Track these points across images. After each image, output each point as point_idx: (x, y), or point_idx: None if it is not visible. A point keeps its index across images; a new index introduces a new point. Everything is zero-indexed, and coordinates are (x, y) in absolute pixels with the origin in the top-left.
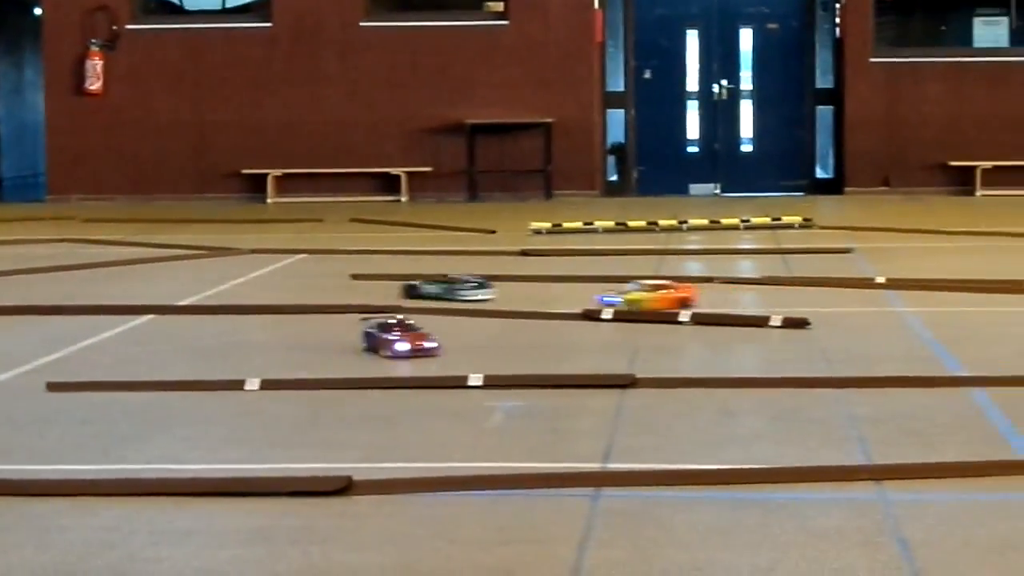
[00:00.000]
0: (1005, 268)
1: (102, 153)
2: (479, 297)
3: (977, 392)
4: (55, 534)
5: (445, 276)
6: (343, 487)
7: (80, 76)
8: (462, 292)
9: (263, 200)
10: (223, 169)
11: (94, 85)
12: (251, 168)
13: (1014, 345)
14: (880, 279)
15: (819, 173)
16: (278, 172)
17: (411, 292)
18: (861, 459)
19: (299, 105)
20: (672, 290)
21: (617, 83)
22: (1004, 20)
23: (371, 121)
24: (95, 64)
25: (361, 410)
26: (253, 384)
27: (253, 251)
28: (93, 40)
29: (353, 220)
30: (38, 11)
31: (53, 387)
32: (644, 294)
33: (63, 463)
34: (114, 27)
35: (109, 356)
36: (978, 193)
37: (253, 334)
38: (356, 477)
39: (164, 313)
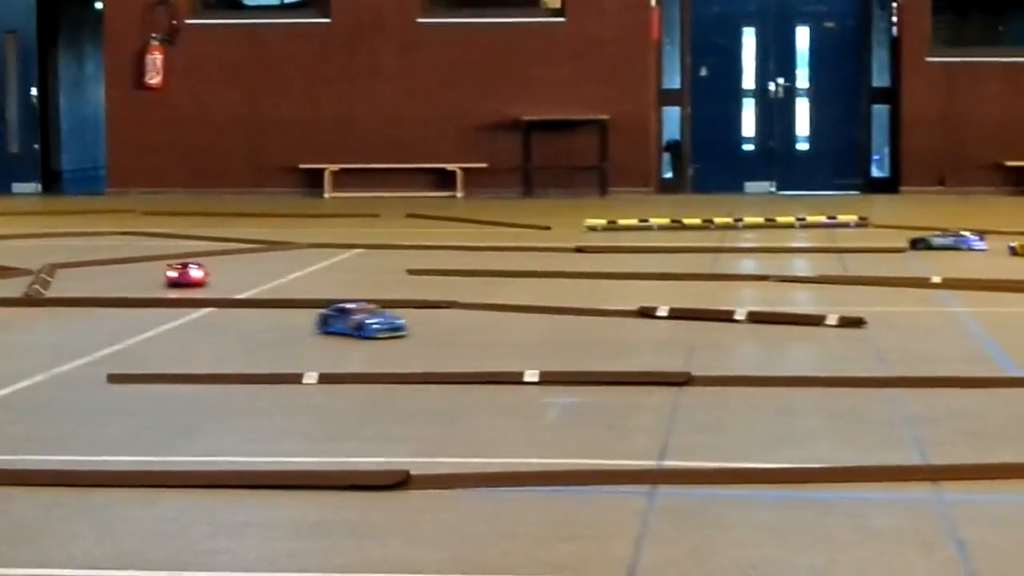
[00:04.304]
0: None
1: (162, 147)
2: (981, 247)
3: None
4: (115, 525)
5: (950, 230)
6: (401, 481)
7: (140, 70)
8: (969, 242)
9: (320, 195)
10: (281, 163)
11: (154, 79)
12: (308, 163)
13: None
14: (936, 279)
15: (875, 172)
16: (335, 167)
17: (919, 244)
18: (917, 459)
19: (356, 101)
20: None
21: (673, 80)
22: None
23: (428, 117)
24: (155, 58)
25: (417, 405)
26: (311, 377)
27: (310, 245)
28: (153, 35)
29: (409, 215)
30: (99, 5)
31: (113, 379)
32: None
33: (123, 454)
34: (174, 22)
35: (169, 348)
36: None
37: (311, 328)
38: (413, 472)
39: (223, 306)
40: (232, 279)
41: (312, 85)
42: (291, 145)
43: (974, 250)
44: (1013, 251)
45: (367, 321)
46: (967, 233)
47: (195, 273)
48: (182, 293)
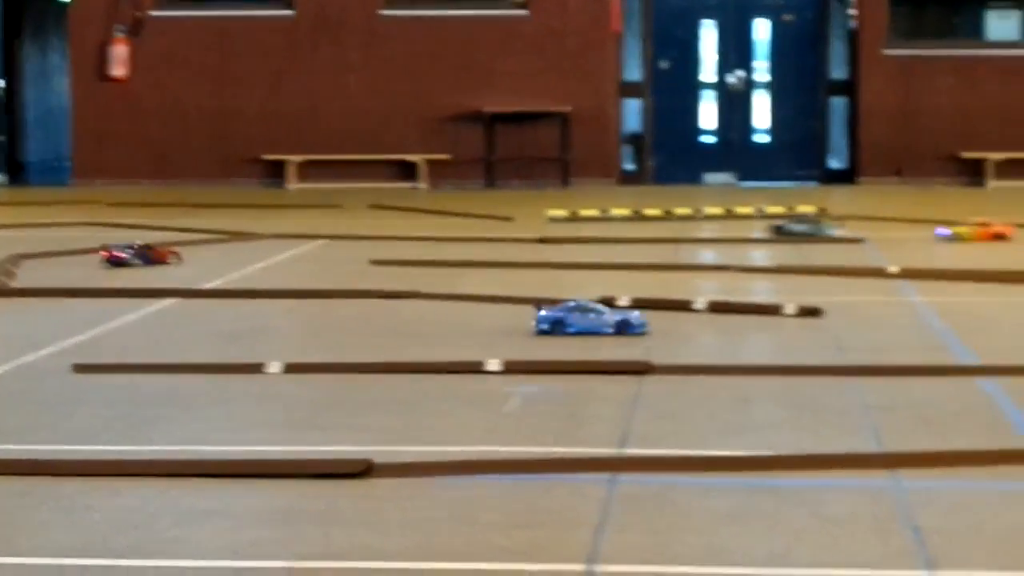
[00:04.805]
0: (1016, 259)
1: (126, 138)
2: (837, 233)
3: (988, 381)
4: (81, 514)
5: (809, 216)
6: (364, 470)
7: (105, 62)
8: (826, 229)
9: (283, 185)
10: (245, 155)
11: (118, 71)
12: (272, 154)
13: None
14: (893, 268)
15: (832, 163)
16: (298, 158)
17: (781, 230)
18: (874, 447)
19: (320, 93)
20: (991, 226)
21: (634, 73)
22: (1016, 13)
23: (391, 109)
24: (119, 50)
25: (381, 394)
26: (275, 367)
27: (274, 236)
28: (118, 27)
29: (372, 206)
30: None
31: (79, 369)
32: (968, 228)
33: (89, 443)
34: (138, 14)
35: (134, 339)
36: (989, 184)
37: (275, 318)
38: (376, 460)
39: (187, 297)
40: (197, 269)
41: (276, 77)
42: (255, 137)
43: (831, 237)
44: (952, 237)
45: (630, 320)
46: (825, 220)
47: (120, 253)
48: (142, 282)
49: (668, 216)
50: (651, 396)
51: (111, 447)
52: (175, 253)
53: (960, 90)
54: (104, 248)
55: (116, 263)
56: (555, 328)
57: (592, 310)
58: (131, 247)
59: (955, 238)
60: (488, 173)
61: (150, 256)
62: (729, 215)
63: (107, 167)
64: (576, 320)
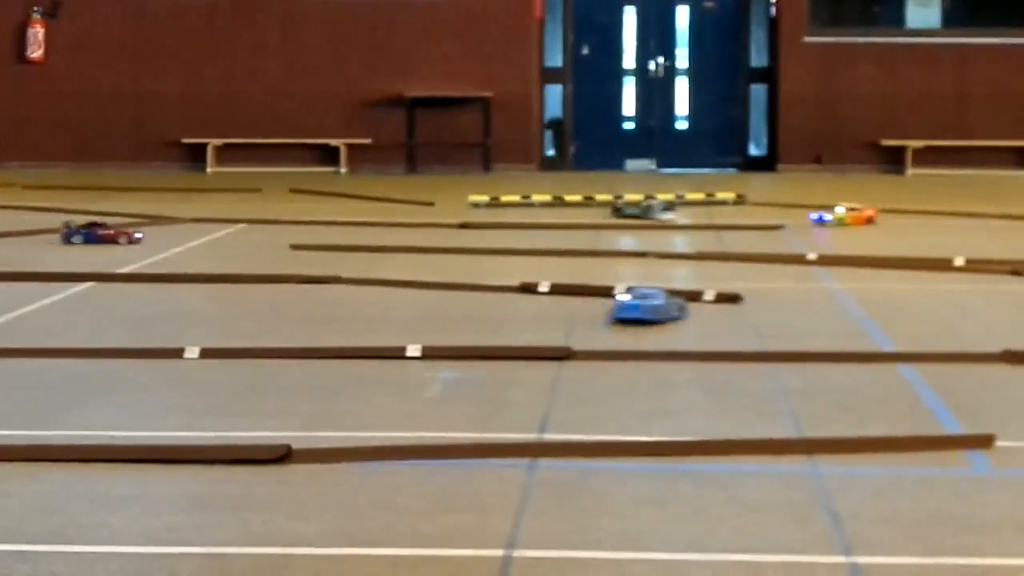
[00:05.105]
0: (934, 246)
1: (43, 121)
2: (667, 217)
3: (905, 368)
4: None
5: (643, 201)
6: (283, 455)
7: (21, 44)
8: (655, 213)
9: (203, 169)
10: (164, 138)
11: (35, 53)
12: (191, 137)
13: (941, 322)
14: (811, 256)
15: (752, 150)
16: (218, 142)
17: (617, 213)
18: (793, 433)
19: (240, 76)
20: (862, 211)
21: (555, 58)
22: (936, 1)
23: (311, 93)
24: (36, 32)
25: (300, 379)
26: (193, 352)
27: (193, 220)
28: (35, 8)
29: (292, 191)
30: None
31: None
32: (845, 214)
33: (3, 428)
34: None
35: (49, 323)
36: (909, 172)
37: (193, 303)
38: (295, 446)
39: (104, 281)
40: (115, 253)
41: (196, 59)
42: (174, 119)
43: (661, 220)
44: (832, 222)
45: (684, 305)
46: (656, 203)
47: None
48: (63, 265)
49: (589, 202)
50: (571, 381)
51: (25, 432)
52: (127, 234)
53: (880, 78)
54: (66, 225)
55: (65, 240)
56: (658, 318)
57: (664, 297)
58: (94, 225)
59: (835, 223)
60: (409, 158)
61: (99, 236)
62: (649, 202)
63: (23, 150)
64: (666, 311)
